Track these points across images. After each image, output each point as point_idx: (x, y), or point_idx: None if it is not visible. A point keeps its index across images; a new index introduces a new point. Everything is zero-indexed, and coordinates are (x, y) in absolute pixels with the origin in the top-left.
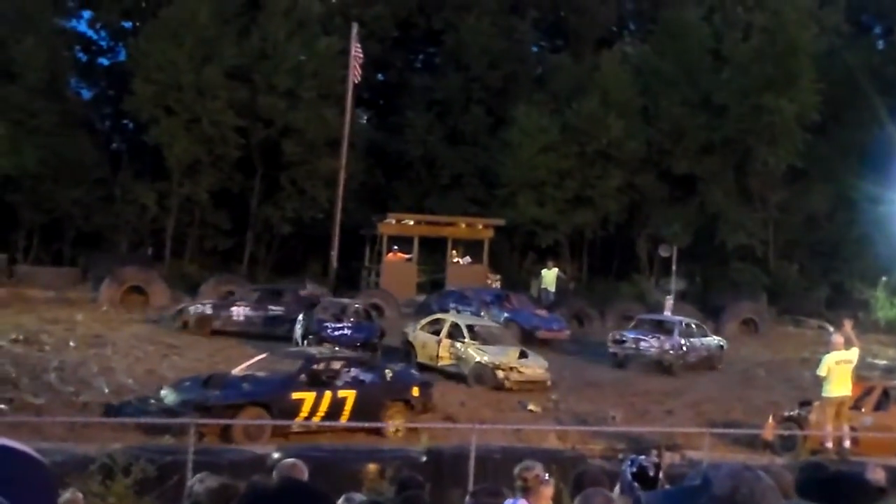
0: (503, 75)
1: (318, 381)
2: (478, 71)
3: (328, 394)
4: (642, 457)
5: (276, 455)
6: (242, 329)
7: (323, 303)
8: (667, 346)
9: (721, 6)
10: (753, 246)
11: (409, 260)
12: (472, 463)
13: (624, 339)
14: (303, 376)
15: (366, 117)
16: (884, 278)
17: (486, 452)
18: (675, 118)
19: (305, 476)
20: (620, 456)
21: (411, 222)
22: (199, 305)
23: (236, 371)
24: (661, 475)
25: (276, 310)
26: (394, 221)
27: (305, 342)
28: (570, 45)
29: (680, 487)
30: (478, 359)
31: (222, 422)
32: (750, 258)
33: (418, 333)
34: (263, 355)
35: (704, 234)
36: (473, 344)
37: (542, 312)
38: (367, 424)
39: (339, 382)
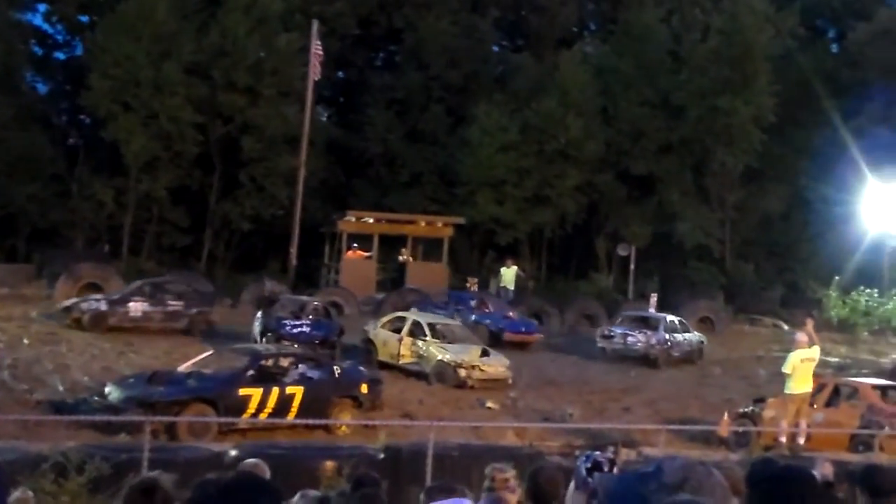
0: (464, 74)
1: (266, 377)
2: (438, 69)
3: (276, 390)
4: (597, 452)
5: (233, 453)
6: (140, 325)
7: (282, 300)
8: (653, 341)
9: (679, 8)
10: (710, 245)
11: (368, 258)
12: (429, 460)
13: (612, 334)
14: (250, 372)
15: (326, 115)
16: (836, 278)
17: (444, 450)
18: (634, 118)
19: (267, 476)
20: (577, 452)
21: (371, 220)
22: (92, 301)
23: (182, 368)
24: (615, 470)
25: (174, 304)
26: (353, 219)
27: (263, 339)
28: (531, 44)
29: (634, 472)
30: (440, 357)
31: (175, 419)
32: (707, 258)
33: (379, 331)
34: (210, 352)
35: (662, 234)
36: (435, 342)
37: (513, 314)
38: (317, 421)
39: (286, 379)
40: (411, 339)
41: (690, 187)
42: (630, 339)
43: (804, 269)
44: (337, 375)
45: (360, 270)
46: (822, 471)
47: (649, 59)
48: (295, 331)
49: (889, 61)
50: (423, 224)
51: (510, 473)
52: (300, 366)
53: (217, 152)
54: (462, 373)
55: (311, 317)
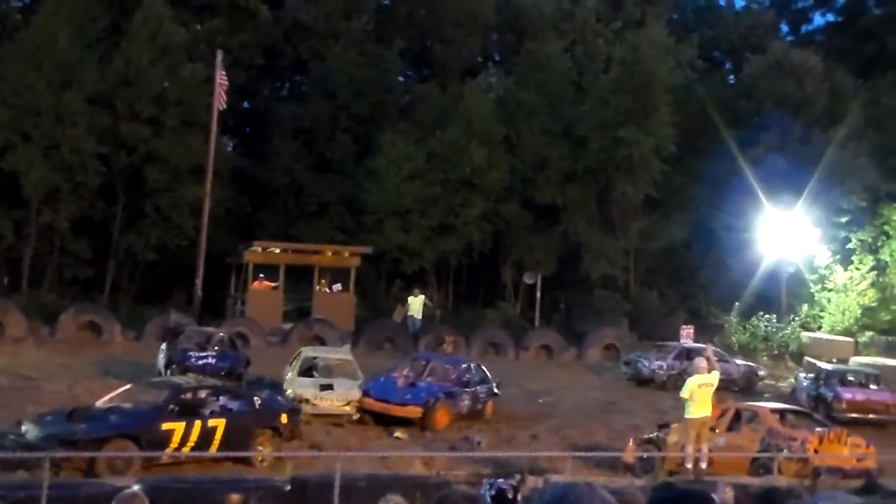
0: (370, 104)
1: (188, 411)
2: (344, 99)
3: (198, 423)
4: (501, 480)
5: (135, 487)
6: None
7: (187, 332)
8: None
9: (582, 39)
10: (615, 274)
11: (275, 288)
12: (336, 491)
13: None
14: (172, 406)
15: (231, 145)
16: (736, 304)
17: (351, 480)
18: (537, 148)
19: None
20: (484, 481)
21: (277, 250)
22: None
23: (100, 403)
24: (519, 498)
25: None
26: (260, 249)
27: (168, 372)
28: (436, 74)
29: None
30: (287, 391)
31: (82, 454)
32: (612, 285)
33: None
34: (128, 386)
35: (568, 262)
36: (305, 377)
37: (403, 379)
38: (234, 454)
39: (207, 411)
40: (292, 372)
41: (595, 216)
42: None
43: (706, 295)
44: (257, 406)
45: (266, 301)
46: (722, 495)
47: (552, 90)
48: (200, 362)
49: (782, 92)
50: (329, 254)
51: (397, 500)
52: (220, 398)
53: (120, 183)
54: (305, 407)
55: (216, 348)
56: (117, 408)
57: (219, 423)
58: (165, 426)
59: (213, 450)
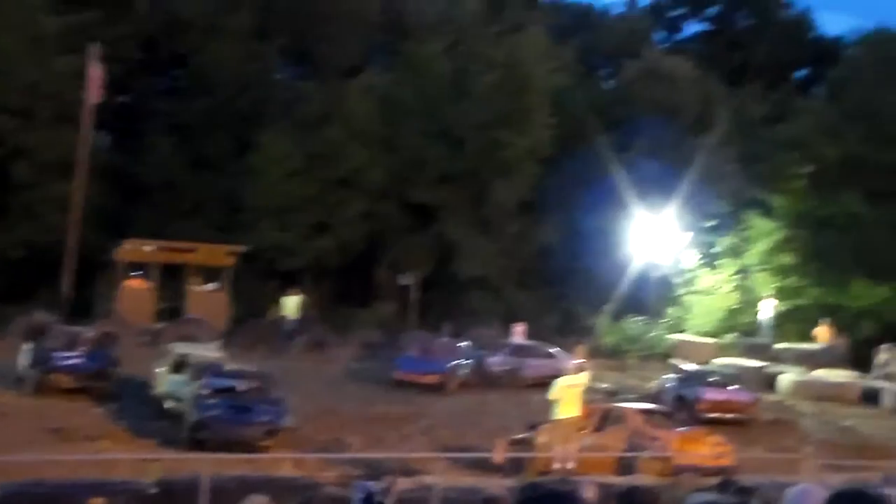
0: (249, 101)
1: None
2: (223, 96)
3: None
4: (370, 482)
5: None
6: None
7: (52, 331)
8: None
9: (463, 41)
10: (490, 275)
11: (147, 287)
12: (204, 494)
13: None
14: None
15: (106, 140)
16: (607, 306)
17: (219, 483)
18: (415, 148)
19: None
20: (354, 483)
21: (150, 248)
22: None
23: None
24: (389, 500)
25: None
26: (131, 247)
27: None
28: (317, 73)
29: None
30: (160, 389)
31: None
32: (486, 286)
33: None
34: None
35: (444, 263)
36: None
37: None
38: (86, 456)
39: None
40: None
41: (470, 218)
42: None
43: (578, 297)
44: None
45: (137, 300)
46: (586, 493)
47: (431, 90)
48: (67, 363)
49: (656, 98)
50: (204, 252)
51: (260, 500)
52: None
53: None
54: None
55: (84, 348)
56: None
57: None
58: None
59: None
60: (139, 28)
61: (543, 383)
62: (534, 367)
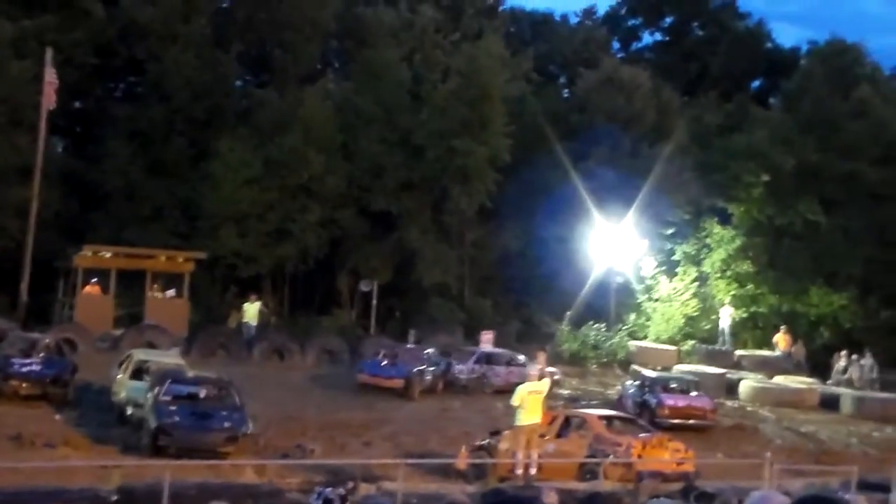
0: (207, 107)
1: None
2: (181, 102)
3: None
4: (329, 489)
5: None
6: None
7: (10, 337)
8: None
9: (421, 48)
10: (449, 282)
11: (105, 293)
12: (165, 501)
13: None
14: None
15: (61, 145)
16: (568, 313)
17: (181, 489)
18: (374, 156)
19: None
20: (316, 489)
21: (108, 254)
22: None
23: None
24: None
25: None
26: (90, 253)
27: None
28: (275, 80)
29: None
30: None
31: None
32: (447, 294)
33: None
34: None
35: (404, 270)
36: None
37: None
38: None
39: None
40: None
41: (430, 225)
42: None
43: (539, 304)
44: None
45: (96, 306)
46: (548, 499)
47: (389, 98)
48: (24, 369)
49: (613, 107)
50: (163, 259)
51: None
52: None
53: None
54: None
55: (42, 354)
56: None
57: None
58: None
59: None
60: (96, 34)
61: (510, 390)
62: (501, 374)
